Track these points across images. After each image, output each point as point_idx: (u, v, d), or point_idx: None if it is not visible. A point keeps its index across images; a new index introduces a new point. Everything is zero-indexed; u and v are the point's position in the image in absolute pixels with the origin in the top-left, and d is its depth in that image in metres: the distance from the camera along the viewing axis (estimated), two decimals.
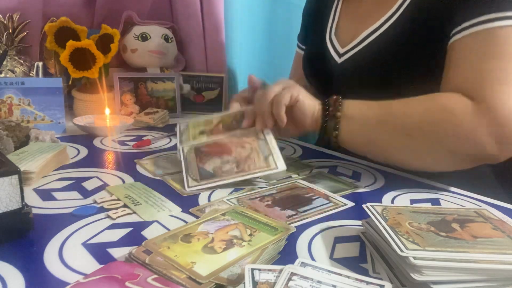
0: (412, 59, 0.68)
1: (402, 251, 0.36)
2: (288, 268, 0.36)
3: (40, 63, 1.00)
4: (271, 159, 0.61)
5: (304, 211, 0.52)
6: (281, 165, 0.60)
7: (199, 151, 0.63)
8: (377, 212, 0.43)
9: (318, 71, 0.89)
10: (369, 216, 0.44)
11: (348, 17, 0.84)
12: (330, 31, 0.84)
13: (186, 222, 0.48)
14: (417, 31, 0.66)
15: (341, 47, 0.80)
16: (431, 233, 0.39)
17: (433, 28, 0.63)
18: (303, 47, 0.98)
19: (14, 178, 0.40)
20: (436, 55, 0.64)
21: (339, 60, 0.78)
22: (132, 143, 0.80)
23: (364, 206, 0.45)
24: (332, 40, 0.82)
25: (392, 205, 0.47)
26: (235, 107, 0.72)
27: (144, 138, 0.84)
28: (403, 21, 0.69)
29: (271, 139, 0.64)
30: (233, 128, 0.68)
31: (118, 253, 0.40)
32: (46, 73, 1.08)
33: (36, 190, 0.55)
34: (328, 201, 0.55)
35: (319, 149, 0.84)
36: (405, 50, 0.68)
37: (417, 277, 0.34)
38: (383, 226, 0.40)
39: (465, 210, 0.46)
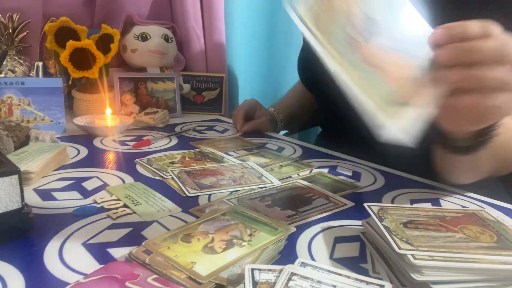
0: None
1: (400, 248, 0.36)
2: (288, 268, 0.36)
3: (40, 63, 1.00)
4: (264, 178, 0.63)
5: (304, 211, 0.52)
6: (276, 181, 0.62)
7: (190, 173, 0.64)
8: (374, 212, 0.43)
9: (312, 76, 0.89)
10: (370, 216, 0.44)
11: None
12: None
13: (186, 222, 0.48)
14: None
15: None
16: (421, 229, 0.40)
17: None
18: None
19: (14, 178, 0.40)
20: None
21: None
22: (132, 143, 0.80)
23: (365, 205, 0.45)
24: None
25: (391, 205, 0.46)
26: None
27: (144, 138, 0.84)
28: None
29: (257, 166, 0.68)
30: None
31: (118, 253, 0.40)
32: (46, 73, 1.08)
33: (36, 190, 0.55)
34: (328, 201, 0.55)
35: (319, 149, 0.84)
36: None
37: (417, 277, 0.34)
38: (383, 226, 0.40)
39: (463, 211, 0.46)
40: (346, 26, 0.39)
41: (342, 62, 0.38)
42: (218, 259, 0.37)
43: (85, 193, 0.55)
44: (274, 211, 0.51)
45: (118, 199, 0.53)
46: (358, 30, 0.39)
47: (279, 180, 0.63)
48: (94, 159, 0.71)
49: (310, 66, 0.89)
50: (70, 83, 1.07)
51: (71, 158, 0.70)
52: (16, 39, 1.05)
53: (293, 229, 0.44)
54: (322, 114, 1.01)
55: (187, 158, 0.72)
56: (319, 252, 0.43)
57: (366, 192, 0.60)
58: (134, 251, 0.38)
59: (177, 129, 0.97)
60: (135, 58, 1.11)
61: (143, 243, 0.39)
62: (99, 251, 0.41)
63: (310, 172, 0.68)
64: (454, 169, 0.58)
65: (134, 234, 0.44)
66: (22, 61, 1.05)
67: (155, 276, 0.34)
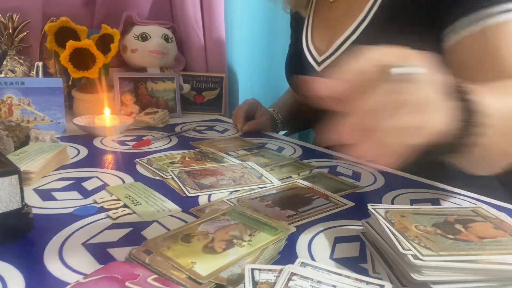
0: None
1: (404, 248, 0.36)
2: (288, 268, 0.36)
3: (40, 63, 1.00)
4: (264, 178, 0.63)
5: (304, 211, 0.52)
6: (276, 181, 0.62)
7: (190, 173, 0.64)
8: (381, 216, 0.42)
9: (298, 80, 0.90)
10: (370, 216, 0.44)
11: (321, 25, 0.84)
12: (307, 39, 0.85)
13: (186, 222, 0.48)
14: (392, 32, 0.66)
15: (318, 55, 0.80)
16: (439, 236, 0.39)
17: (415, 28, 0.63)
18: None
19: (14, 178, 0.40)
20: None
21: (318, 69, 0.79)
22: (132, 143, 0.80)
23: (369, 205, 0.45)
24: (309, 49, 0.83)
25: (394, 206, 0.46)
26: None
27: (144, 138, 0.84)
28: (375, 24, 0.69)
29: (257, 167, 0.68)
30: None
31: (118, 253, 0.40)
32: (46, 73, 1.08)
33: (36, 190, 0.55)
34: (328, 201, 0.55)
35: (319, 149, 0.84)
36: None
37: (417, 277, 0.34)
38: (387, 227, 0.40)
39: (463, 210, 0.46)
40: None
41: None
42: (218, 259, 0.37)
43: (85, 193, 0.55)
44: (274, 211, 0.51)
45: (118, 199, 0.53)
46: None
47: (279, 180, 0.63)
48: (94, 159, 0.71)
49: (296, 71, 0.90)
50: (70, 83, 1.07)
51: (71, 158, 0.70)
52: (16, 39, 1.05)
53: (293, 229, 0.44)
54: (315, 117, 1.01)
55: (187, 158, 0.72)
56: (319, 252, 0.43)
57: (366, 192, 0.60)
58: (134, 251, 0.38)
59: (177, 129, 0.97)
60: (135, 58, 1.11)
61: (143, 243, 0.39)
62: (99, 251, 0.41)
63: (310, 172, 0.68)
64: (467, 164, 0.50)
65: (134, 234, 0.44)
66: (22, 61, 1.05)
67: (155, 276, 0.34)
